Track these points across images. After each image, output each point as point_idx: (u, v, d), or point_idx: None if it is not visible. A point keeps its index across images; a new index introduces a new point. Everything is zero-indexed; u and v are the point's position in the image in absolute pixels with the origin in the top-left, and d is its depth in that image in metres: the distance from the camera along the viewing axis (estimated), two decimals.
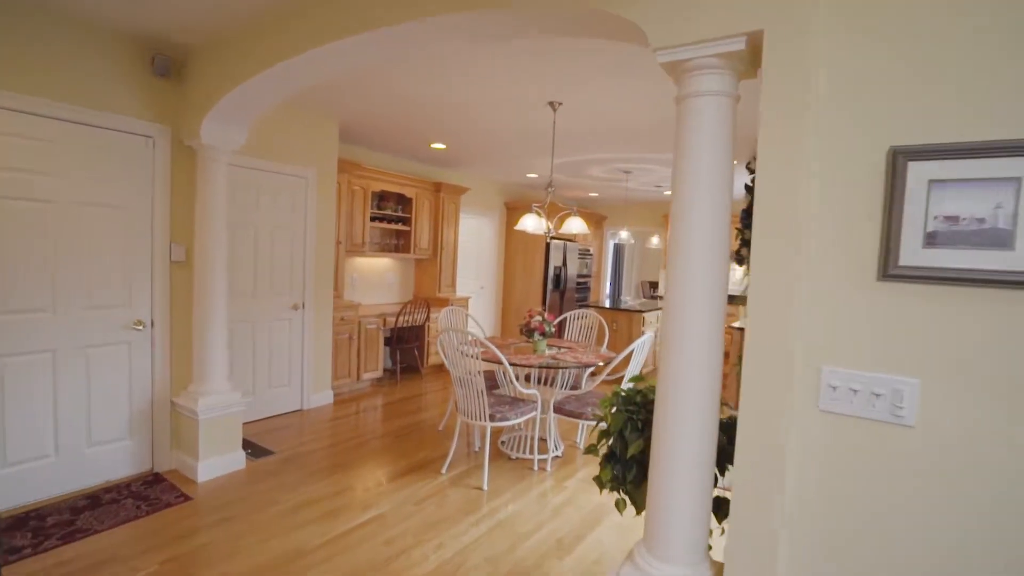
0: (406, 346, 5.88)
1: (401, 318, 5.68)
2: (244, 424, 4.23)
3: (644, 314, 6.43)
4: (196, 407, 3.26)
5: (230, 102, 2.96)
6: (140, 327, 3.24)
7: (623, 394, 2.25)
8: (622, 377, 3.58)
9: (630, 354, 3.44)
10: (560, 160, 6.24)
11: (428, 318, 6.11)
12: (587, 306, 7.33)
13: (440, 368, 6.64)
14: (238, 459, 3.50)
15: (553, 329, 3.99)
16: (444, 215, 6.63)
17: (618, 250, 12.04)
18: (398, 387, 5.77)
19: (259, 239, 4.29)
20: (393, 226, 6.11)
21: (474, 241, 8.48)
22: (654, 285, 11.99)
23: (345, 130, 5.11)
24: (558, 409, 3.67)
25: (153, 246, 3.27)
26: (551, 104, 3.93)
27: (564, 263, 8.68)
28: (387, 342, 5.88)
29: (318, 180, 4.71)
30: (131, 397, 3.26)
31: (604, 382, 3.94)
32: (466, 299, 6.85)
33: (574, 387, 4.30)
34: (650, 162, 5.95)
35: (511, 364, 3.47)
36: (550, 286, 8.37)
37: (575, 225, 3.93)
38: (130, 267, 3.19)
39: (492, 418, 3.44)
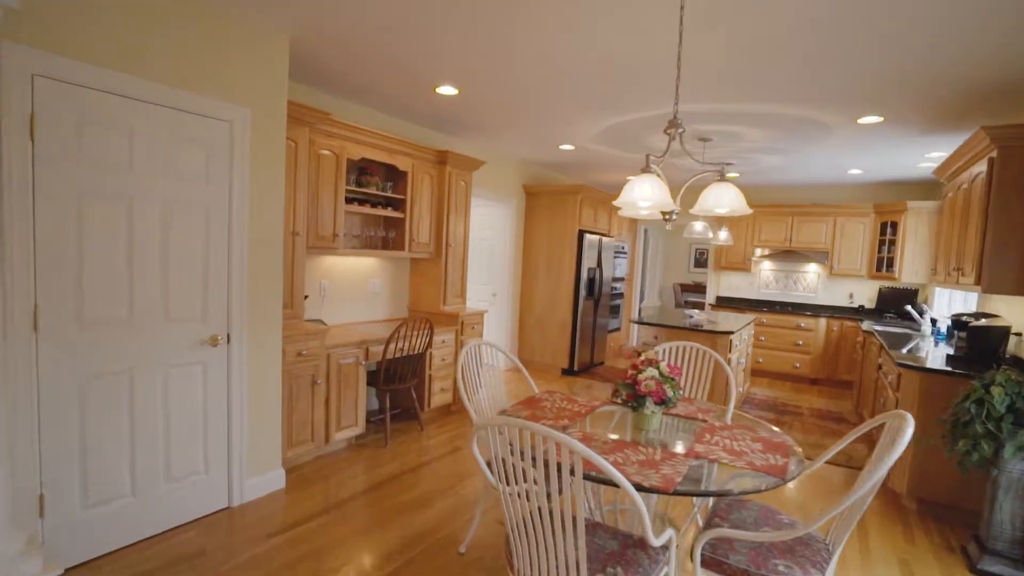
0: (400, 386, 4.00)
1: (392, 345, 3.81)
2: (114, 553, 2.30)
3: (731, 336, 4.62)
4: None
5: None
6: None
7: None
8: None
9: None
10: (616, 120, 4.40)
11: (431, 343, 4.24)
12: (638, 321, 5.51)
13: (446, 410, 4.77)
14: None
15: (680, 393, 2.16)
16: (452, 198, 4.75)
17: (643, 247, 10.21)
18: (388, 449, 3.90)
19: (139, 223, 2.40)
20: (380, 211, 4.22)
21: (484, 234, 6.63)
22: (689, 288, 10.19)
23: (303, 56, 3.22)
24: (712, 563, 1.84)
25: None
26: None
27: (599, 263, 6.85)
28: (371, 379, 4.01)
29: (255, 129, 2.83)
30: None
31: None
32: (480, 313, 4.99)
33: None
34: (750, 121, 4.13)
35: (640, 489, 1.63)
36: (583, 293, 6.53)
37: (726, 198, 2.08)
38: None
39: None
